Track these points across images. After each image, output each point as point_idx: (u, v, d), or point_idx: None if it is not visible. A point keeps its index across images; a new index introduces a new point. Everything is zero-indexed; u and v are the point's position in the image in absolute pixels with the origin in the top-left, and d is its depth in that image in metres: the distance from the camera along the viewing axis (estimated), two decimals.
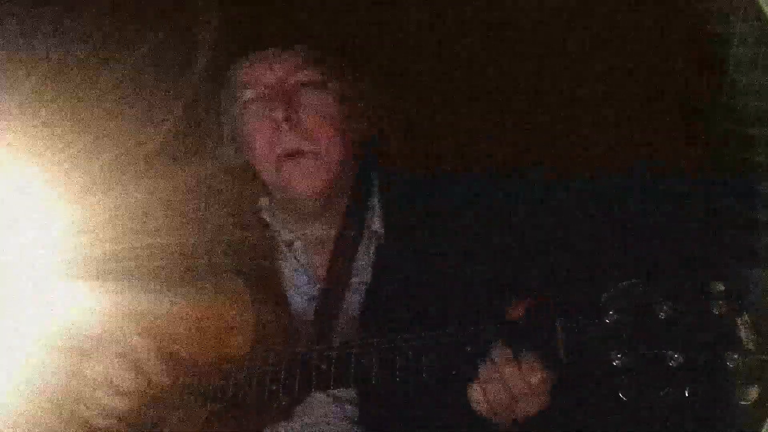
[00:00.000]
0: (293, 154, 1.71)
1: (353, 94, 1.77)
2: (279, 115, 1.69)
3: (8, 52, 1.87)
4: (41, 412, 1.61)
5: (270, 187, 1.81)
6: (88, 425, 1.62)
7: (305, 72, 1.73)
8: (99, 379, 1.59)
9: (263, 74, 1.73)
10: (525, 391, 1.42)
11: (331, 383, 1.54)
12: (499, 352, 1.44)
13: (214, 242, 1.80)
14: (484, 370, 1.45)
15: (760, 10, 1.82)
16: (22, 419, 1.60)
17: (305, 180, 1.72)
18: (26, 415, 1.60)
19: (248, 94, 1.74)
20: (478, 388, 1.46)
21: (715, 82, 2.19)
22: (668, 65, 2.19)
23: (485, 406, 1.47)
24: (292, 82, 1.72)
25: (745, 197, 2.14)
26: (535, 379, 1.41)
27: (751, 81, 2.16)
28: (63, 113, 1.88)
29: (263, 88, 1.73)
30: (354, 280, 1.80)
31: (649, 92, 2.19)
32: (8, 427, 1.59)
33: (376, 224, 1.82)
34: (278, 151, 1.72)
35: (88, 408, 1.61)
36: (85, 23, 1.94)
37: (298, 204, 1.80)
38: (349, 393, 1.73)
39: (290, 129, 1.70)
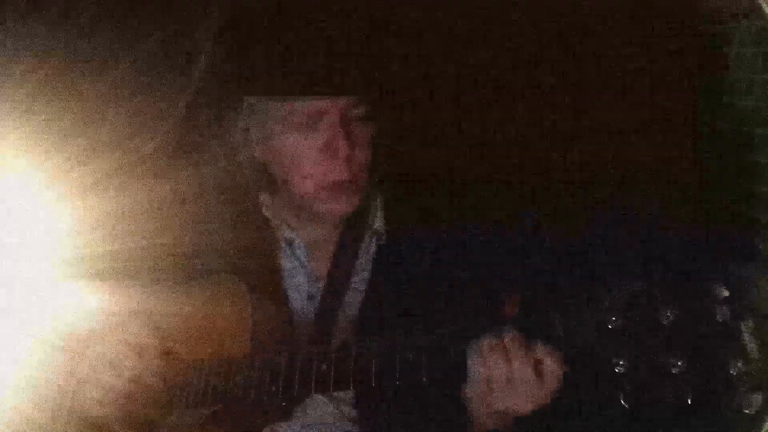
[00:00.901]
0: (343, 184, 1.72)
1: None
2: (344, 148, 1.68)
3: (8, 52, 1.86)
4: (38, 411, 1.61)
5: (294, 199, 1.79)
6: (87, 424, 1.62)
7: (361, 107, 1.72)
8: (101, 361, 1.60)
9: (325, 106, 1.70)
10: (532, 378, 1.41)
11: (331, 385, 1.53)
12: (510, 337, 1.42)
13: (213, 241, 1.80)
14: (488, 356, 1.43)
15: (760, 10, 1.82)
16: (20, 418, 1.60)
17: (344, 204, 1.73)
18: (24, 415, 1.60)
19: (300, 119, 1.71)
20: (481, 371, 1.44)
21: (715, 82, 2.19)
22: (668, 65, 2.19)
23: (484, 391, 1.45)
24: (351, 116, 1.71)
25: (745, 197, 2.14)
26: (549, 362, 1.40)
27: (751, 81, 2.16)
28: (63, 113, 1.87)
29: (322, 118, 1.70)
30: (354, 279, 1.81)
31: (649, 92, 2.19)
32: (7, 427, 1.59)
33: (378, 223, 1.82)
34: (329, 180, 1.71)
35: (87, 403, 1.60)
36: (85, 23, 1.93)
37: (312, 214, 1.79)
38: (348, 394, 1.73)
39: (347, 160, 1.69)
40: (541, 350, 1.40)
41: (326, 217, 1.77)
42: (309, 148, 1.71)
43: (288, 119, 1.71)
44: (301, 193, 1.75)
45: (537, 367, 1.41)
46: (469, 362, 1.45)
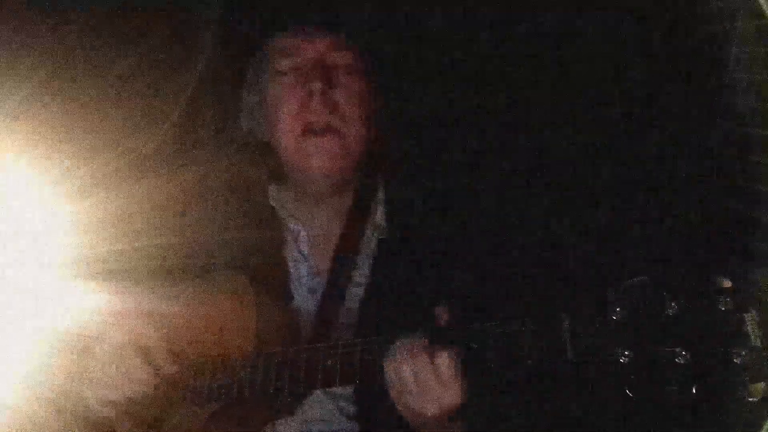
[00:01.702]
0: (319, 129, 1.72)
1: (375, 88, 1.79)
2: (317, 86, 1.70)
3: (8, 52, 1.86)
4: (41, 411, 1.61)
5: (285, 165, 1.80)
6: (90, 423, 1.61)
7: (344, 53, 1.75)
8: (106, 365, 1.59)
9: (304, 46, 1.75)
10: (433, 381, 1.42)
11: (337, 380, 1.53)
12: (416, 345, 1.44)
13: (220, 236, 1.80)
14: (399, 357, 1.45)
15: (760, 10, 1.82)
16: (23, 418, 1.59)
17: (324, 158, 1.73)
18: (27, 414, 1.59)
19: (285, 63, 1.75)
20: (393, 370, 1.46)
21: (715, 82, 2.20)
22: (668, 64, 2.19)
23: (396, 389, 1.46)
24: (331, 60, 1.74)
25: (745, 197, 2.14)
26: (444, 369, 1.41)
27: (751, 81, 2.16)
28: (63, 113, 1.87)
29: (301, 60, 1.74)
30: (355, 273, 1.80)
31: (650, 92, 2.20)
32: (9, 427, 1.58)
33: (379, 217, 1.82)
34: (306, 123, 1.72)
35: (90, 403, 1.60)
36: (85, 24, 1.94)
37: (307, 186, 1.80)
38: (348, 390, 1.73)
39: (323, 103, 1.71)
40: (440, 355, 1.41)
41: (315, 175, 1.76)
42: (289, 92, 1.74)
43: (274, 67, 1.75)
44: (287, 150, 1.76)
45: (436, 370, 1.42)
46: (384, 364, 1.47)
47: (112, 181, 1.79)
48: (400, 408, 1.48)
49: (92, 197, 1.73)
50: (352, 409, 1.75)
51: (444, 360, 1.41)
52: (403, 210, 1.82)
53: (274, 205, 1.86)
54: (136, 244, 1.70)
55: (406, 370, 1.43)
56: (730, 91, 2.17)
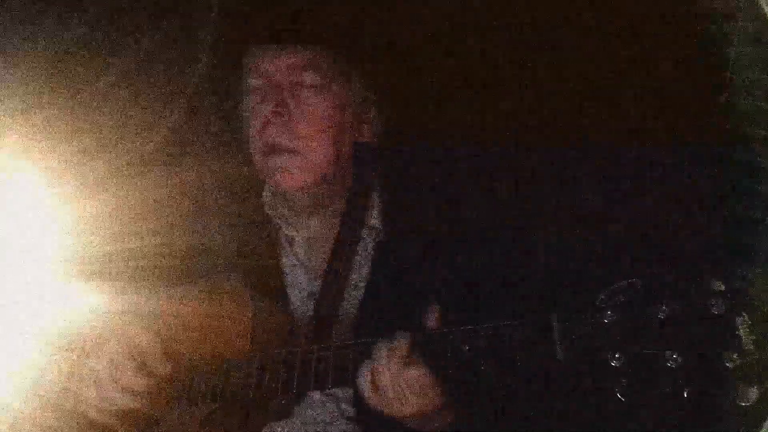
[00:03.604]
0: (275, 148, 1.74)
1: (355, 101, 1.80)
2: (268, 108, 1.73)
3: (8, 52, 1.87)
4: (41, 411, 1.62)
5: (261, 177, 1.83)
6: (88, 423, 1.62)
7: (308, 74, 1.75)
8: (102, 375, 1.60)
9: (267, 66, 1.75)
10: (403, 387, 1.44)
11: (330, 382, 1.54)
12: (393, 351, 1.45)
13: (215, 241, 1.81)
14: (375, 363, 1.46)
15: (760, 10, 1.82)
16: (22, 418, 1.60)
17: (285, 175, 1.75)
18: (26, 415, 1.60)
19: (254, 82, 1.78)
20: (367, 378, 1.47)
21: (715, 82, 2.19)
22: (668, 64, 2.18)
23: (372, 394, 1.47)
24: (293, 80, 1.75)
25: (744, 197, 2.13)
26: (413, 377, 1.43)
27: (751, 81, 2.15)
28: (63, 113, 1.88)
29: (265, 80, 1.76)
30: (353, 276, 1.81)
31: (649, 92, 2.19)
32: (8, 427, 1.59)
33: (375, 220, 1.83)
34: (266, 142, 1.75)
35: (89, 405, 1.61)
36: (85, 24, 1.94)
37: (288, 197, 1.82)
38: (347, 392, 1.73)
39: (277, 124, 1.73)
40: (413, 361, 1.43)
41: (282, 191, 1.79)
42: (257, 110, 1.76)
43: (248, 83, 1.78)
44: (256, 164, 1.79)
45: (408, 375, 1.43)
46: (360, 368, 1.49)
47: (109, 182, 1.79)
48: (377, 408, 1.49)
49: (91, 198, 1.74)
50: (352, 411, 1.75)
51: (416, 369, 1.43)
52: (399, 212, 1.82)
53: (268, 211, 1.87)
54: (133, 245, 1.70)
55: (383, 373, 1.45)
56: (729, 90, 2.17)
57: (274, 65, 1.75)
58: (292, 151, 1.74)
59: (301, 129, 1.74)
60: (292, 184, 1.76)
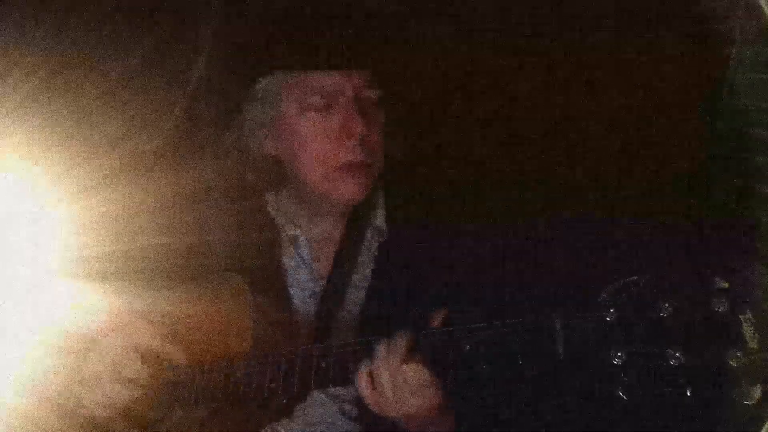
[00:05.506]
0: (351, 166, 1.73)
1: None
2: (358, 129, 1.70)
3: (8, 52, 1.86)
4: (42, 411, 1.61)
5: (305, 188, 1.80)
6: (90, 423, 1.62)
7: (374, 90, 1.75)
8: (105, 368, 1.61)
9: (341, 84, 1.72)
10: (402, 386, 1.44)
11: (331, 382, 1.54)
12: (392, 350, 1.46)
13: (217, 240, 1.80)
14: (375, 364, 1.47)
15: (760, 10, 1.82)
16: (23, 418, 1.60)
17: (355, 189, 1.74)
18: (26, 414, 1.60)
19: (318, 100, 1.73)
20: (366, 378, 1.48)
21: (715, 82, 2.19)
22: (668, 64, 2.19)
23: (370, 393, 1.48)
24: (366, 96, 1.74)
25: (744, 197, 2.14)
26: (412, 376, 1.43)
27: (751, 81, 2.16)
28: (63, 114, 1.87)
29: (329, 99, 1.73)
30: (356, 276, 1.81)
31: (649, 92, 2.20)
32: (9, 427, 1.59)
33: (379, 221, 1.83)
34: (341, 161, 1.73)
35: (91, 402, 1.61)
36: (85, 24, 1.94)
37: (320, 205, 1.81)
38: (349, 392, 1.73)
39: (363, 143, 1.72)
40: (412, 360, 1.43)
41: (338, 202, 1.78)
42: (324, 129, 1.73)
43: (303, 100, 1.73)
44: (312, 179, 1.76)
45: (407, 374, 1.44)
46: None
47: (110, 181, 1.79)
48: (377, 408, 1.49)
49: (91, 198, 1.73)
50: (354, 411, 1.75)
51: (415, 368, 1.43)
52: (403, 213, 1.82)
53: (271, 212, 1.87)
54: (134, 245, 1.70)
55: (381, 372, 1.45)
56: (730, 91, 2.17)
57: (350, 83, 1.72)
58: (368, 166, 1.74)
59: (371, 143, 1.73)
60: (359, 195, 1.75)
